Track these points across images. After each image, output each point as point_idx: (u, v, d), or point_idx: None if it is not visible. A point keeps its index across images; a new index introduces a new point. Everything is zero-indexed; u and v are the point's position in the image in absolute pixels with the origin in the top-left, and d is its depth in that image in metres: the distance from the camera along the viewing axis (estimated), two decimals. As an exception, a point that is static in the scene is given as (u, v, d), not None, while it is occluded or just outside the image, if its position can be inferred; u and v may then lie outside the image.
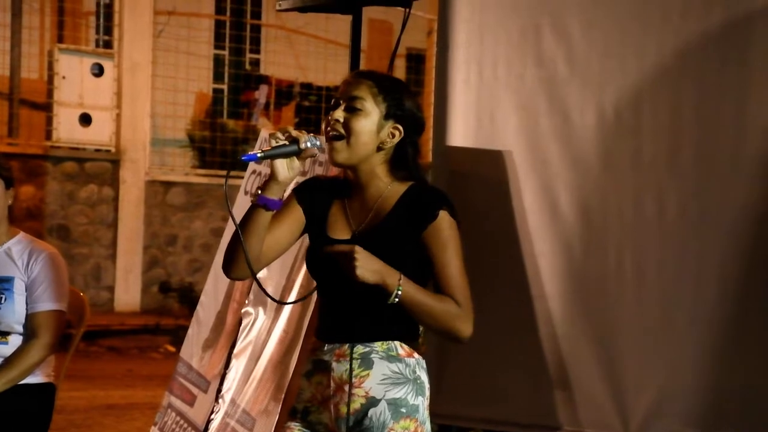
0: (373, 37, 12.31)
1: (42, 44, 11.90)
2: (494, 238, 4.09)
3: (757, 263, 3.43)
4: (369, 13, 4.53)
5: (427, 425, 2.89)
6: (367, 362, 2.84)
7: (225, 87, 13.27)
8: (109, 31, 11.71)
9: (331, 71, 12.54)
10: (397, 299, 2.76)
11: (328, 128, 2.89)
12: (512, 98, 4.01)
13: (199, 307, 5.33)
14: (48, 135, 11.12)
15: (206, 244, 11.53)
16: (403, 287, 2.76)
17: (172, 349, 10.09)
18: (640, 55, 3.66)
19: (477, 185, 4.14)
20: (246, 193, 4.96)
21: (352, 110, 2.87)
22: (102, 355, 9.56)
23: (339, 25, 11.86)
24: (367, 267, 2.73)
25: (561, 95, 3.84)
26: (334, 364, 2.88)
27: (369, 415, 2.83)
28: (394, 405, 2.82)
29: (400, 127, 2.90)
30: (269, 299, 3.32)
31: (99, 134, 11.14)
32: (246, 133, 12.54)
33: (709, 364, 3.54)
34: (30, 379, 3.97)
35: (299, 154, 2.81)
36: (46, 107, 11.25)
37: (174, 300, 11.48)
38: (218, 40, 13.24)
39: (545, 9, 3.92)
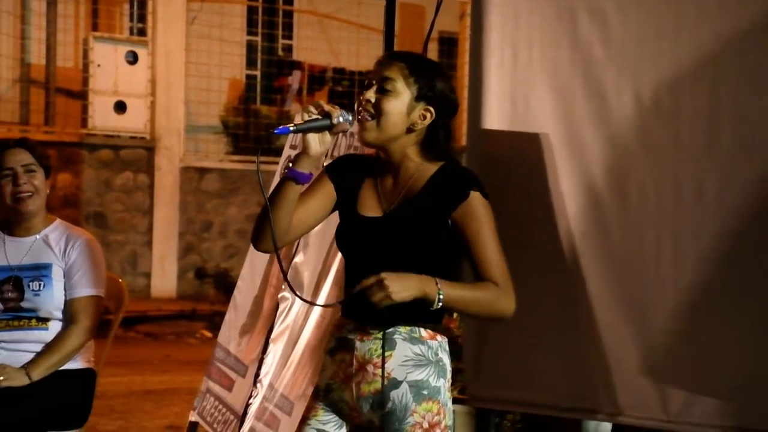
0: (405, 21, 12.28)
1: (77, 33, 11.96)
2: (531, 222, 4.08)
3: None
4: (401, -3, 4.52)
5: (449, 406, 2.89)
6: (390, 343, 2.84)
7: (258, 73, 13.28)
8: (142, 18, 11.76)
9: (364, 56, 12.53)
10: (440, 304, 2.76)
11: (360, 108, 2.89)
12: (547, 81, 3.99)
13: (236, 293, 5.35)
14: (84, 123, 11.19)
15: (241, 230, 11.58)
16: (443, 291, 2.76)
17: (208, 334, 10.15)
18: (676, 38, 3.63)
19: (512, 169, 4.12)
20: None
21: (383, 91, 2.87)
22: (139, 341, 9.62)
23: (371, 9, 11.85)
24: (402, 287, 2.72)
25: (597, 78, 3.82)
26: (357, 343, 2.89)
27: (391, 397, 2.83)
28: (416, 387, 2.82)
29: (432, 109, 2.90)
30: (297, 297, 3.33)
31: (134, 122, 11.20)
32: (279, 119, 12.56)
33: (751, 347, 3.52)
34: (70, 365, 4.01)
35: (331, 128, 2.81)
36: (81, 95, 11.31)
37: (210, 286, 11.53)
38: (251, 26, 13.26)
39: (580, -9, 3.90)
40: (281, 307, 4.77)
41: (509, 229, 4.19)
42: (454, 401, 4.85)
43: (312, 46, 13.21)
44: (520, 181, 4.09)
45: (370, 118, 2.87)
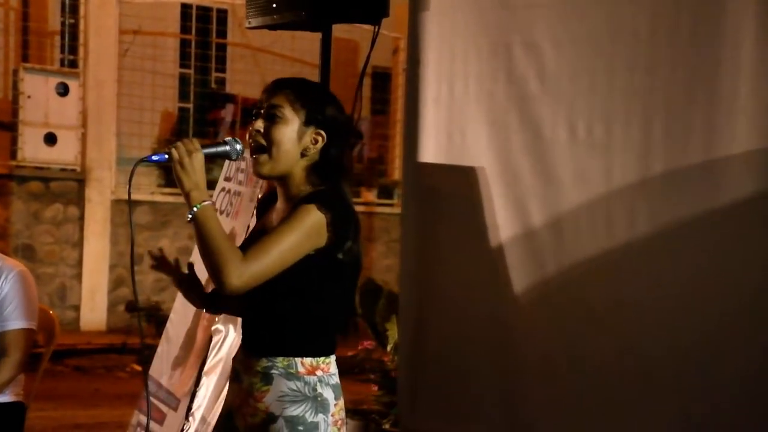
0: (338, 56, 12.30)
1: (7, 64, 11.82)
2: (465, 254, 4.11)
3: (736, 267, 3.44)
4: (334, 31, 4.53)
5: None
6: (267, 378, 2.82)
7: (191, 106, 13.22)
8: (74, 50, 11.65)
9: (297, 90, 12.52)
10: (190, 216, 2.71)
11: (250, 140, 2.87)
12: (483, 114, 4.04)
13: (168, 325, 5.30)
14: (13, 155, 11.04)
15: (172, 263, 11.46)
16: (202, 208, 2.71)
17: (138, 368, 10.02)
18: (610, 72, 3.70)
19: (448, 201, 4.16)
20: (215, 210, 4.94)
21: (272, 119, 2.84)
22: (68, 375, 9.48)
23: (304, 44, 11.85)
24: (188, 168, 2.73)
25: (532, 111, 3.87)
26: (243, 375, 2.89)
27: (269, 430, 2.81)
28: (292, 423, 2.79)
29: (323, 133, 2.86)
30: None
31: (64, 153, 11.07)
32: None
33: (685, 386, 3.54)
34: (-1, 398, 3.95)
35: (230, 157, 2.86)
36: (11, 127, 11.16)
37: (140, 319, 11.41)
38: (184, 59, 13.20)
39: (515, 27, 3.96)
40: (214, 339, 4.73)
41: (444, 262, 4.23)
42: (389, 434, 4.86)
43: (245, 79, 13.18)
44: (456, 214, 4.13)
45: (262, 152, 2.85)
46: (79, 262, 11.22)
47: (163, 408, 5.02)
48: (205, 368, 4.71)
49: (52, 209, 11.09)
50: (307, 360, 2.82)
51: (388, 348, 5.57)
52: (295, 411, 2.79)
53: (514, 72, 3.92)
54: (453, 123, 4.15)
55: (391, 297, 5.77)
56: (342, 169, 2.90)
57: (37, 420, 4.60)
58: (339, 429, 2.85)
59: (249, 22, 4.71)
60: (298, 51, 12.50)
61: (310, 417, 2.80)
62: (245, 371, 2.88)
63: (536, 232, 3.87)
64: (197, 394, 4.70)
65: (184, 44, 13.23)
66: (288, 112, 2.84)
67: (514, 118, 3.92)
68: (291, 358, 2.81)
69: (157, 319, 10.86)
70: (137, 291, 2.93)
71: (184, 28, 13.29)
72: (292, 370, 2.81)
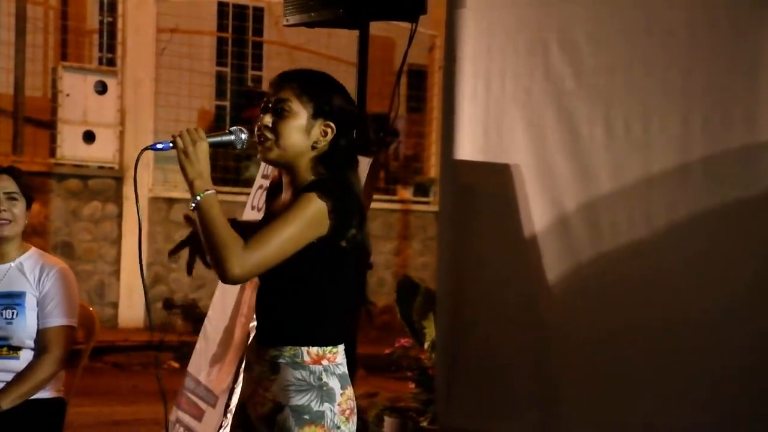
0: (374, 53, 12.32)
1: (46, 62, 11.92)
2: (502, 252, 4.11)
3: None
4: (370, 29, 4.54)
5: (344, 429, 2.84)
6: (274, 367, 2.84)
7: (227, 104, 13.28)
8: (112, 48, 11.73)
9: (333, 87, 12.53)
10: (193, 204, 2.73)
11: (259, 133, 2.88)
12: (520, 112, 4.04)
13: (206, 322, 5.33)
14: (52, 152, 11.13)
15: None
16: (205, 198, 2.73)
17: (175, 365, 10.07)
18: (647, 68, 3.68)
19: (485, 199, 4.15)
20: (253, 208, 4.97)
21: (279, 113, 2.85)
22: (106, 372, 9.55)
23: (341, 41, 11.88)
24: (191, 154, 2.77)
25: (569, 108, 3.86)
26: (254, 365, 2.91)
27: (277, 421, 2.83)
28: (298, 412, 2.80)
29: (332, 125, 2.86)
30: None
31: (103, 151, 11.14)
32: (248, 149, 12.53)
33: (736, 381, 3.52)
34: (41, 394, 3.97)
35: (234, 146, 2.89)
36: (50, 125, 11.26)
37: (177, 316, 11.46)
38: (220, 57, 13.26)
39: (552, 24, 3.95)
40: (252, 336, 4.75)
41: (481, 259, 4.23)
42: (426, 431, 4.87)
43: (281, 77, 13.22)
44: (492, 212, 4.12)
45: (269, 141, 2.86)
46: (117, 260, 11.29)
47: (202, 405, 5.05)
48: (243, 365, 4.73)
49: (90, 207, 11.17)
50: (313, 349, 2.83)
51: (425, 345, 5.57)
52: (300, 400, 2.81)
53: (551, 69, 3.91)
54: (490, 120, 4.15)
55: (427, 294, 5.76)
56: (351, 160, 2.92)
57: (76, 416, 4.64)
58: (347, 418, 2.86)
59: (286, 20, 4.72)
60: (333, 49, 12.53)
61: (315, 406, 2.81)
62: (256, 361, 2.91)
63: (573, 230, 3.86)
64: (235, 391, 4.72)
65: (221, 42, 13.29)
66: (295, 105, 2.85)
67: (551, 116, 3.91)
68: (297, 348, 2.83)
69: (194, 316, 10.92)
70: (146, 284, 2.96)
71: (221, 26, 13.35)
72: (298, 360, 2.82)
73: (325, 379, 2.83)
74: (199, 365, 5.21)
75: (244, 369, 3.04)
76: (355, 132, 2.93)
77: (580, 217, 3.83)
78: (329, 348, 2.85)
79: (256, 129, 2.90)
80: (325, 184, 2.79)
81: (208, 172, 2.79)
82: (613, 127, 3.73)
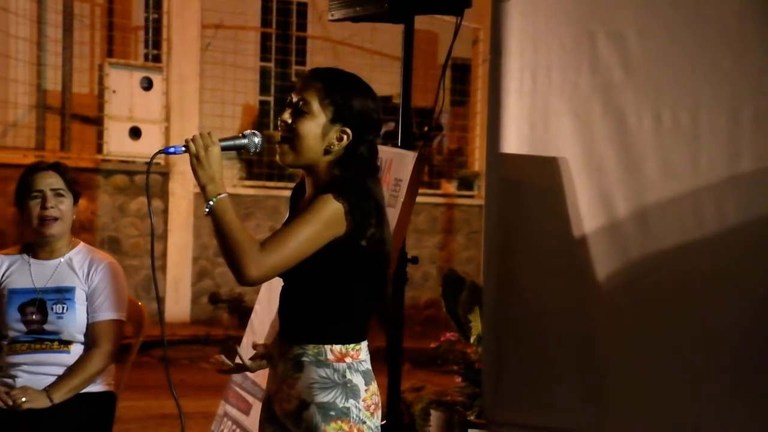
0: (418, 47, 12.31)
1: (92, 59, 12.02)
2: (549, 246, 4.09)
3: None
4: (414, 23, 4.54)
5: (369, 424, 2.86)
6: (298, 365, 2.86)
7: (271, 99, 13.32)
8: (157, 45, 11.81)
9: (377, 82, 12.51)
10: (207, 209, 2.75)
11: (281, 125, 2.91)
12: (566, 104, 4.01)
13: (253, 316, 5.36)
14: (99, 148, 11.23)
15: (255, 256, 11.53)
16: (219, 201, 2.75)
17: (222, 359, 10.15)
18: (696, 60, 3.64)
19: (531, 193, 4.14)
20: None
21: (299, 113, 2.86)
22: (154, 366, 9.62)
23: (384, 36, 11.88)
24: (203, 159, 2.78)
25: (616, 101, 3.83)
26: (278, 362, 2.94)
27: (303, 417, 2.85)
28: (324, 408, 2.82)
29: (349, 131, 2.86)
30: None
31: (148, 147, 11.20)
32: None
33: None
34: (91, 388, 4.01)
35: (248, 149, 2.92)
36: (96, 121, 11.36)
37: (223, 311, 11.53)
38: (264, 53, 13.30)
39: (599, 16, 3.92)
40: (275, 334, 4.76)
41: (527, 253, 4.21)
42: (473, 425, 4.86)
43: (325, 72, 13.24)
44: (539, 205, 4.10)
45: (286, 142, 2.87)
46: (164, 255, 11.38)
47: (249, 398, 5.07)
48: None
49: (137, 202, 11.26)
50: (337, 347, 2.85)
51: (471, 339, 5.56)
52: (325, 397, 2.83)
53: (598, 61, 3.88)
54: (536, 113, 4.13)
55: (473, 288, 5.75)
56: (369, 166, 2.91)
57: (124, 410, 4.68)
58: (372, 413, 2.88)
59: (331, 15, 4.73)
60: (377, 43, 12.53)
61: (341, 402, 2.83)
62: (280, 358, 2.93)
63: (621, 223, 3.83)
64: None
65: (265, 37, 13.33)
66: (315, 107, 2.86)
67: (598, 108, 3.89)
68: (321, 346, 2.85)
69: (240, 310, 10.99)
70: (157, 281, 3.00)
71: (265, 22, 13.39)
72: (321, 358, 2.85)
73: (349, 376, 2.86)
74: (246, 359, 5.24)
75: (270, 366, 3.06)
76: (374, 139, 2.93)
77: (627, 210, 3.81)
78: (352, 345, 2.88)
79: (278, 122, 2.93)
80: (341, 184, 2.81)
81: (221, 176, 2.81)
82: (662, 118, 3.70)
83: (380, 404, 2.94)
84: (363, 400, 2.86)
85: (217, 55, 12.24)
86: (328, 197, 2.76)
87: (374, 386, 2.91)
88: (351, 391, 2.85)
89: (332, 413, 2.82)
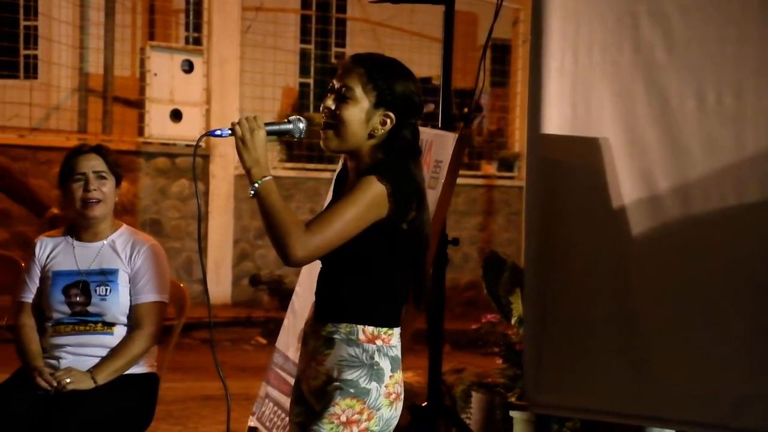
0: (457, 28, 12.24)
1: (134, 42, 12.08)
2: (591, 227, 4.07)
3: None
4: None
5: (383, 412, 2.87)
6: (329, 342, 2.88)
7: (311, 81, 13.33)
8: (198, 28, 11.85)
9: (417, 64, 12.51)
10: (252, 192, 2.79)
11: (323, 113, 2.92)
12: (608, 84, 3.99)
13: (294, 298, 5.37)
14: (140, 131, 11.29)
15: (295, 237, 11.55)
16: (263, 184, 2.78)
17: (263, 341, 10.19)
18: (740, 40, 3.61)
19: (572, 172, 4.11)
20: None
21: (342, 99, 2.88)
22: (195, 347, 9.69)
23: (424, 17, 11.85)
24: (250, 145, 2.81)
25: (659, 81, 3.80)
26: (309, 339, 2.97)
27: (326, 391, 2.87)
28: (346, 385, 2.84)
29: (392, 115, 2.88)
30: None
31: (189, 130, 11.27)
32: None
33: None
34: (135, 369, 4.04)
35: (292, 135, 2.93)
36: (138, 104, 11.42)
37: (264, 293, 11.57)
38: (304, 35, 13.31)
39: (641, -5, 3.89)
40: (310, 312, 4.77)
41: (569, 233, 4.19)
42: (514, 407, 4.86)
43: (365, 53, 13.23)
44: (581, 185, 4.08)
45: (330, 128, 2.90)
46: (205, 236, 11.43)
47: (291, 380, 5.09)
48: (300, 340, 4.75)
49: (178, 185, 11.31)
50: (369, 328, 2.87)
51: (512, 321, 5.54)
52: (350, 375, 2.85)
53: (640, 41, 3.85)
54: (577, 94, 4.10)
55: (514, 270, 5.73)
56: (412, 149, 2.93)
57: (166, 391, 4.71)
58: (392, 402, 2.90)
59: (372, -4, 4.72)
60: (416, 25, 12.50)
61: (363, 383, 2.85)
62: (312, 335, 2.97)
63: (664, 204, 3.81)
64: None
65: (305, 20, 13.34)
66: (359, 93, 2.88)
67: (640, 88, 3.86)
68: (353, 325, 2.87)
69: (280, 292, 11.03)
70: (205, 263, 3.03)
71: (305, 4, 13.40)
72: (353, 337, 2.87)
73: (376, 358, 2.87)
74: (287, 341, 5.26)
75: (301, 343, 3.09)
76: (416, 122, 2.95)
77: (670, 191, 3.78)
78: (384, 329, 2.89)
79: (321, 109, 2.95)
80: (384, 167, 2.83)
81: (266, 160, 2.84)
82: (705, 99, 3.67)
83: (402, 396, 2.94)
84: (385, 386, 2.88)
85: (257, 37, 12.26)
86: (372, 179, 2.78)
87: (399, 375, 2.93)
88: (376, 374, 2.87)
89: (352, 390, 2.84)
